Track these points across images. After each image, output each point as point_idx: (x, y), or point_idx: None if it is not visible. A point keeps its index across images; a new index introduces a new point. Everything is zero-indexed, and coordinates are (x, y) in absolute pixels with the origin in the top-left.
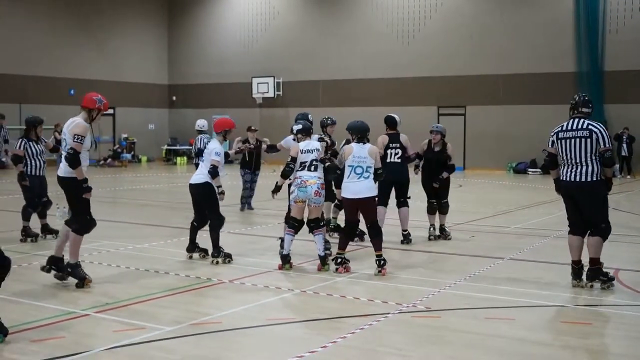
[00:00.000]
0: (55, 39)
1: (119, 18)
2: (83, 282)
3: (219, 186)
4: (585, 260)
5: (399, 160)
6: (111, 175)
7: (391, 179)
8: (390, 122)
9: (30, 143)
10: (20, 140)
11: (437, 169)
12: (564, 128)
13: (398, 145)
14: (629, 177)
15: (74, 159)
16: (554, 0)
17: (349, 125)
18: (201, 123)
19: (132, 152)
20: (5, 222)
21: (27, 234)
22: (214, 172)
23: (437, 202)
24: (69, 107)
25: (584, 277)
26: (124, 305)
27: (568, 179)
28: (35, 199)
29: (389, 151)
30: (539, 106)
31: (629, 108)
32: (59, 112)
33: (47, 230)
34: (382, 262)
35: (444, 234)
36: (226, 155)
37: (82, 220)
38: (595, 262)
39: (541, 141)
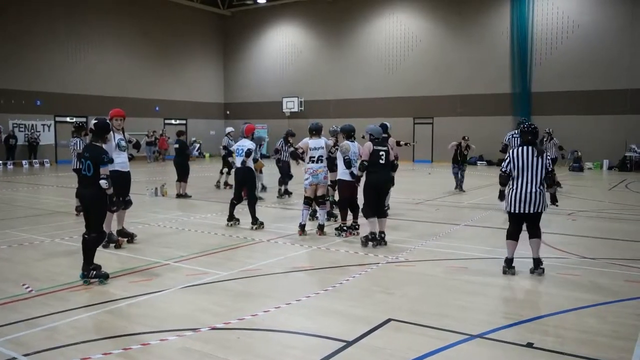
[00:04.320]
0: (145, 71)
1: (190, 56)
2: (118, 243)
3: (245, 162)
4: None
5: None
6: None
7: None
8: (385, 129)
9: (287, 146)
10: (281, 142)
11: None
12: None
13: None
14: None
15: None
16: (496, 42)
17: (341, 128)
18: (230, 130)
19: (199, 151)
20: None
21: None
22: (248, 152)
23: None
24: (155, 119)
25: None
26: (192, 257)
27: None
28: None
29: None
30: (485, 117)
31: (550, 118)
32: (147, 123)
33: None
34: (357, 226)
35: (383, 240)
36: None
37: (113, 203)
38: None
39: (487, 142)
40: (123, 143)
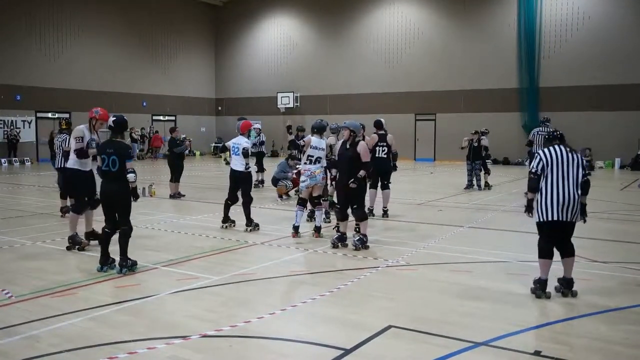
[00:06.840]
0: (131, 64)
1: (179, 49)
2: (81, 245)
3: (248, 163)
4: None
5: (385, 156)
6: None
7: (379, 169)
8: (378, 125)
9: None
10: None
11: (350, 167)
12: None
13: (385, 143)
14: None
15: (79, 154)
16: (501, 34)
17: (331, 127)
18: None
19: (189, 148)
20: None
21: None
22: (246, 153)
23: (350, 208)
24: (141, 115)
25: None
26: (183, 261)
27: None
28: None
29: (377, 148)
30: (489, 113)
31: (558, 115)
32: (133, 119)
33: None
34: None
35: (343, 242)
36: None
37: (78, 203)
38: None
39: (492, 139)
40: (94, 145)
